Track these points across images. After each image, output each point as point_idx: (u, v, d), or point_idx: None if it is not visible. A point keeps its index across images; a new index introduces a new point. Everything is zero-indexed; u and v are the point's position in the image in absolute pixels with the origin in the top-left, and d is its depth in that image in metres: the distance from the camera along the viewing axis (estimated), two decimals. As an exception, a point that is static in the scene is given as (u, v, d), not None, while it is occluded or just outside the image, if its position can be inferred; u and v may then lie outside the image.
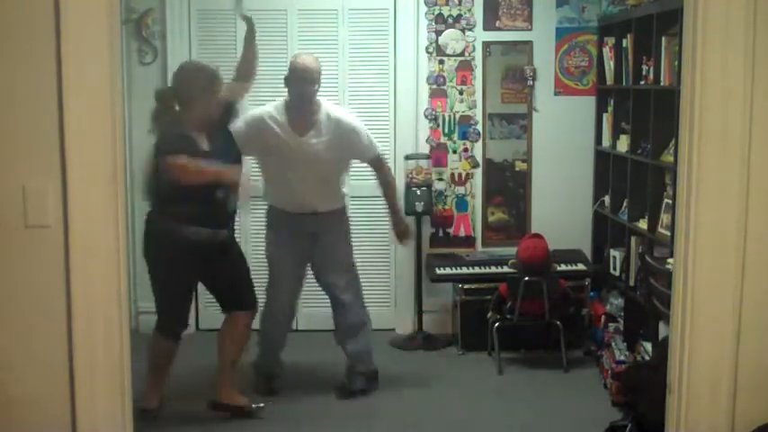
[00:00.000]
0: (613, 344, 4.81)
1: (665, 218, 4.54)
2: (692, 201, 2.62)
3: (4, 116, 2.47)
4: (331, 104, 4.69)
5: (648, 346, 4.46)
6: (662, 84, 4.54)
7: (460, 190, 5.76)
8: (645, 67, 4.80)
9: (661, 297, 4.08)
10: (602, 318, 5.20)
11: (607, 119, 5.53)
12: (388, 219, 5.25)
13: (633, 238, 5.05)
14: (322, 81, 4.58)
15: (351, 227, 4.86)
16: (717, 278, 2.63)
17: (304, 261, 4.75)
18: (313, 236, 4.65)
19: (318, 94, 4.56)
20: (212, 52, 5.61)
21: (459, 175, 5.74)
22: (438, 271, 5.47)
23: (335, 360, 5.21)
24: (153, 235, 4.24)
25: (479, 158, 5.75)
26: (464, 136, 5.72)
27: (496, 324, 5.10)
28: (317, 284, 5.79)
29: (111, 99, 2.49)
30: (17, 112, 2.46)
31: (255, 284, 4.54)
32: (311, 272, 4.83)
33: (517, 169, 5.81)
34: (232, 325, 4.45)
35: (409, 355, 5.39)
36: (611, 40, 5.40)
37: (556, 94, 5.71)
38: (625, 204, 5.16)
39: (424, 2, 5.61)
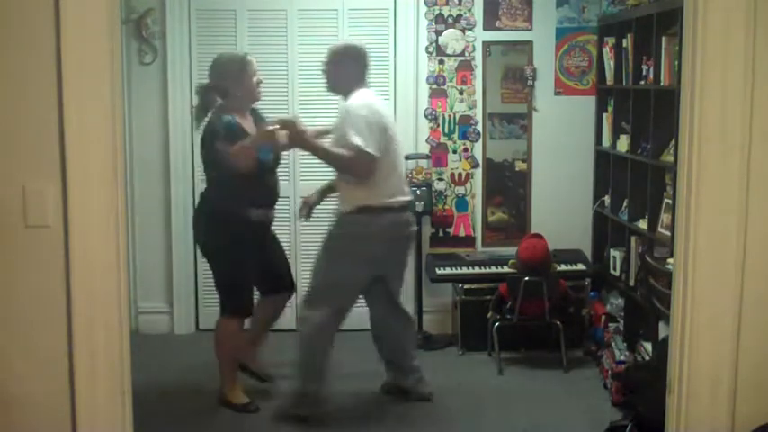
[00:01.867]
0: (613, 344, 4.81)
1: (665, 218, 4.54)
2: (691, 201, 2.62)
3: (4, 116, 2.47)
4: (363, 94, 4.27)
5: (648, 346, 4.46)
6: (662, 84, 4.54)
7: (460, 190, 5.76)
8: (645, 67, 4.80)
9: (661, 297, 4.08)
10: (602, 318, 5.20)
11: (607, 119, 5.53)
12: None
13: (633, 238, 5.05)
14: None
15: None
16: (717, 278, 2.63)
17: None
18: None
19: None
20: (212, 52, 5.59)
21: (459, 175, 5.74)
22: (438, 271, 5.47)
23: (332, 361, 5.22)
24: (218, 220, 4.31)
25: (479, 158, 5.75)
26: (464, 136, 5.72)
27: (496, 324, 5.09)
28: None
29: (112, 99, 2.49)
30: (17, 112, 2.47)
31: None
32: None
33: (517, 169, 5.81)
34: (278, 306, 4.68)
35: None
36: (611, 40, 5.40)
37: (556, 94, 5.71)
38: (625, 204, 5.16)
39: (424, 2, 5.61)
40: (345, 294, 4.34)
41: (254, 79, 4.36)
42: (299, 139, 4.18)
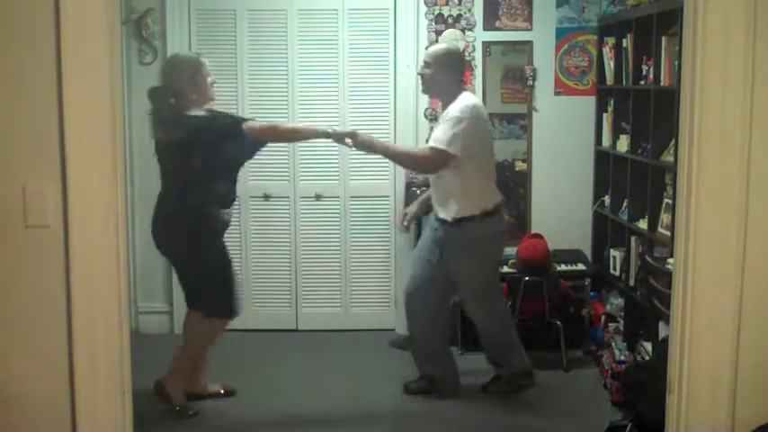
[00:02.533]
0: (613, 344, 4.81)
1: (665, 218, 4.54)
2: (691, 201, 2.62)
3: (4, 116, 2.47)
4: (466, 97, 4.42)
5: (648, 346, 4.46)
6: (662, 84, 4.54)
7: (460, 190, 5.75)
8: (645, 67, 4.80)
9: (661, 297, 4.08)
10: (602, 318, 5.20)
11: (607, 119, 5.53)
12: (388, 219, 5.27)
13: (633, 238, 5.05)
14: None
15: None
16: (717, 278, 2.63)
17: (436, 270, 4.53)
18: (438, 245, 4.51)
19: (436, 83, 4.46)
20: (212, 52, 5.60)
21: (460, 175, 5.73)
22: (438, 271, 5.46)
23: (332, 361, 5.22)
24: (201, 222, 4.29)
25: (479, 158, 5.74)
26: (464, 136, 5.71)
27: (496, 324, 5.09)
28: (312, 284, 5.81)
29: (111, 99, 2.49)
30: (17, 112, 2.47)
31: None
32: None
33: (517, 169, 5.81)
34: (220, 324, 4.56)
35: (409, 355, 5.37)
36: (611, 40, 5.40)
37: (556, 94, 5.70)
38: (625, 204, 5.16)
39: (424, 2, 5.61)
40: (497, 283, 4.70)
41: (209, 80, 4.37)
42: (369, 142, 4.38)
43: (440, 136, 4.29)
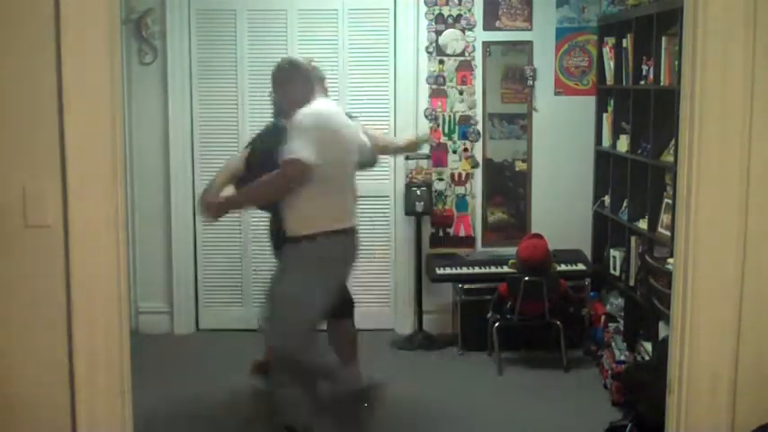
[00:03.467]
0: (613, 344, 4.82)
1: (665, 218, 4.55)
2: (691, 201, 2.62)
3: (4, 116, 2.47)
4: (315, 103, 3.91)
5: (648, 346, 4.47)
6: (662, 84, 4.55)
7: (460, 190, 5.76)
8: (645, 67, 4.80)
9: (661, 297, 4.08)
10: (602, 318, 5.20)
11: (607, 119, 5.54)
12: (388, 219, 5.24)
13: (633, 238, 5.05)
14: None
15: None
16: (717, 278, 2.63)
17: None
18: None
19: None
20: (212, 52, 5.61)
21: (459, 175, 5.74)
22: (438, 271, 5.47)
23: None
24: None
25: (479, 158, 5.75)
26: (464, 136, 5.72)
27: (496, 324, 5.10)
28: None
29: (112, 99, 2.49)
30: (17, 112, 2.46)
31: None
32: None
33: (517, 169, 5.81)
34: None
35: (409, 355, 5.39)
36: (611, 40, 5.40)
37: (556, 94, 5.71)
38: (625, 204, 5.16)
39: (424, 2, 5.61)
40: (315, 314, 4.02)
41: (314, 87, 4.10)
42: (221, 208, 3.91)
43: (289, 147, 3.67)
